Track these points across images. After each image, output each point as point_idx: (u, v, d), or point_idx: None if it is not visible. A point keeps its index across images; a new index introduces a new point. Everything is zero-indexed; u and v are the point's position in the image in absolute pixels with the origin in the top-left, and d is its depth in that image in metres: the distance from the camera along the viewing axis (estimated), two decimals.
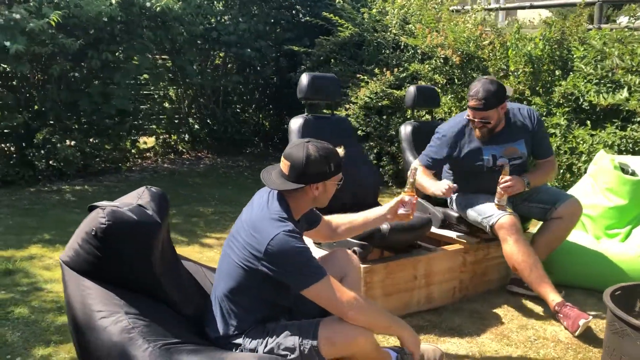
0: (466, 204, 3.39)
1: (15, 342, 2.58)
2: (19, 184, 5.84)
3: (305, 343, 2.03)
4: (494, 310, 3.13)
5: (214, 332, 2.17)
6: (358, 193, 3.47)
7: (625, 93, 4.76)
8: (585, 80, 5.07)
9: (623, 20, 7.04)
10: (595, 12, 6.82)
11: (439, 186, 3.08)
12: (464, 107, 4.51)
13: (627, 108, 4.76)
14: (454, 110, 5.78)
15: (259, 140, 8.85)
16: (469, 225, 3.41)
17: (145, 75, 7.44)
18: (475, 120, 3.17)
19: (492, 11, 7.29)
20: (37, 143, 6.04)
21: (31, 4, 5.22)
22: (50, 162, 6.17)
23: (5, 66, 5.70)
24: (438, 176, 3.54)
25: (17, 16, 4.93)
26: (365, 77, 6.44)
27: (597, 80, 5.03)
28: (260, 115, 8.92)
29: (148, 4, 5.94)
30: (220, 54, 8.10)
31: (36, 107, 6.13)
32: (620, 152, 4.68)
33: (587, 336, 2.78)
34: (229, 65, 8.32)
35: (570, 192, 3.84)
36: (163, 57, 7.62)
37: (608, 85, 4.98)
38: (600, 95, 4.89)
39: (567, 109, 5.14)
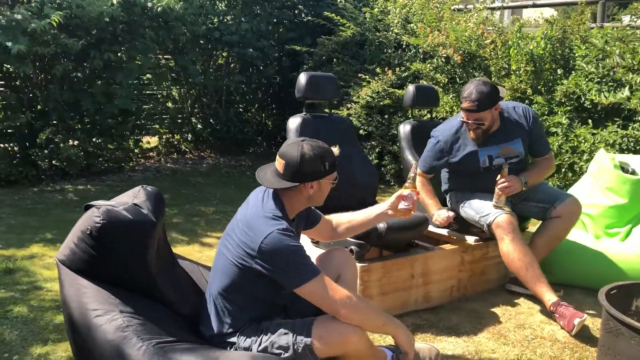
0: (463, 203, 3.40)
1: (13, 340, 2.60)
2: (22, 184, 5.87)
3: (298, 342, 2.04)
4: (492, 310, 3.13)
5: (209, 330, 2.18)
6: (357, 193, 3.47)
7: (626, 92, 4.75)
8: (586, 79, 5.06)
9: (626, 19, 7.02)
10: (598, 10, 6.80)
11: (438, 215, 3.29)
12: None
13: (628, 107, 4.74)
14: (455, 110, 5.77)
15: (262, 139, 8.86)
16: (467, 224, 3.41)
17: (148, 75, 7.48)
18: (469, 121, 3.17)
19: (494, 10, 7.27)
20: (40, 143, 6.07)
21: (33, 4, 5.25)
22: (53, 161, 6.20)
23: (8, 66, 5.73)
24: (437, 176, 3.55)
25: (19, 17, 4.96)
26: (367, 77, 6.44)
27: (598, 79, 5.01)
28: (263, 115, 8.94)
29: (149, 4, 5.96)
30: (223, 54, 8.12)
31: (39, 107, 6.16)
32: (621, 151, 4.66)
33: (584, 335, 2.78)
34: (231, 65, 8.34)
35: (570, 191, 3.84)
36: (166, 57, 7.65)
37: (610, 84, 4.96)
38: (602, 94, 4.87)
39: (568, 108, 5.13)
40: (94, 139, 6.52)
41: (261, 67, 8.20)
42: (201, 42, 7.53)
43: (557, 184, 5.03)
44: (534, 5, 7.08)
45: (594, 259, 3.46)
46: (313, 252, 2.49)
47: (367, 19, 6.89)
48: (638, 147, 4.65)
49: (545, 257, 3.31)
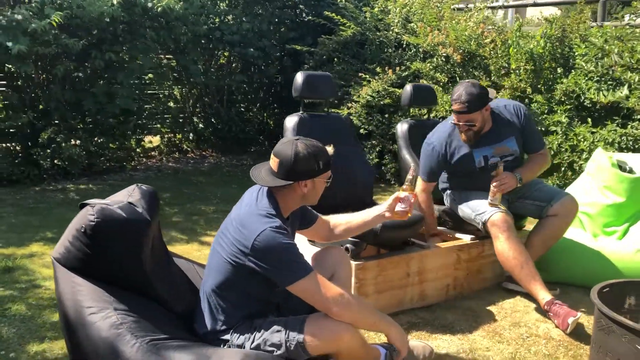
0: (459, 201, 3.41)
1: (10, 338, 2.62)
2: (24, 183, 5.91)
3: (291, 339, 2.05)
4: (488, 308, 3.14)
5: (202, 327, 2.20)
6: (354, 191, 3.49)
7: (625, 91, 4.74)
8: (586, 78, 5.06)
9: (628, 17, 7.01)
10: (598, 9, 6.80)
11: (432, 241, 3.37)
12: None
13: (627, 106, 4.74)
14: None
15: (264, 139, 8.88)
16: (461, 222, 3.42)
17: (150, 75, 7.51)
18: (461, 123, 3.18)
19: (495, 9, 7.27)
20: (42, 142, 6.10)
21: (33, 4, 5.28)
22: (55, 161, 6.23)
23: (10, 66, 5.77)
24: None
25: (19, 17, 4.99)
26: (367, 76, 6.45)
27: (597, 78, 5.01)
28: (265, 114, 8.95)
29: (149, 5, 5.98)
30: (225, 54, 8.14)
31: (41, 106, 6.19)
32: (620, 150, 4.66)
33: (579, 333, 2.78)
34: (233, 65, 8.37)
35: (568, 189, 3.84)
36: (167, 56, 7.68)
37: (609, 82, 4.96)
38: (601, 92, 4.87)
39: (568, 107, 5.12)
40: (95, 139, 6.55)
41: (262, 67, 8.21)
42: (202, 41, 7.55)
43: (557, 183, 5.04)
44: (535, 4, 7.07)
45: (591, 258, 3.46)
46: (308, 251, 2.52)
47: (368, 19, 6.90)
48: (637, 146, 4.65)
49: (541, 255, 3.32)
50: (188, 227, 4.69)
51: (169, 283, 2.35)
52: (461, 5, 7.01)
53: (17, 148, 6.24)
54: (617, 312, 2.17)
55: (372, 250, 3.16)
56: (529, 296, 3.17)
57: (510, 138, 3.26)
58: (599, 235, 3.64)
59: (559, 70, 5.33)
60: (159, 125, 8.07)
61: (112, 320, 2.01)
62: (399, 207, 2.38)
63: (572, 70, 5.21)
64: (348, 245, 2.85)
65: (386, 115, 6.38)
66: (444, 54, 5.99)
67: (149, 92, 7.91)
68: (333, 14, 6.89)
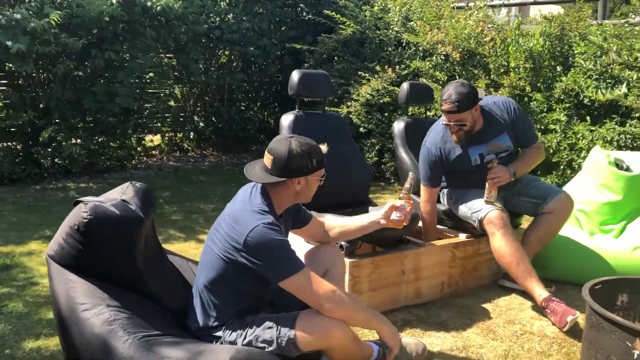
0: (456, 199, 3.41)
1: (6, 334, 2.64)
2: (25, 182, 5.94)
3: (282, 335, 2.06)
4: (483, 305, 3.14)
5: (194, 323, 2.21)
6: (350, 190, 3.51)
7: (624, 89, 4.74)
8: (585, 76, 5.05)
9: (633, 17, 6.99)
10: (599, 7, 6.79)
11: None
12: None
13: (625, 104, 4.73)
14: None
15: (264, 137, 8.89)
16: (459, 221, 3.43)
17: (151, 74, 7.53)
18: (451, 123, 3.18)
19: (495, 7, 7.27)
20: (43, 141, 6.14)
21: (33, 4, 5.30)
22: (56, 160, 6.26)
23: (11, 66, 5.80)
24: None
25: (18, 16, 5.01)
26: (367, 75, 6.46)
27: (596, 76, 5.00)
28: (265, 113, 8.97)
29: (149, 4, 5.99)
30: (226, 52, 8.16)
31: (41, 105, 6.22)
32: (619, 148, 4.66)
33: (573, 331, 2.78)
34: (233, 64, 8.38)
35: (566, 187, 3.84)
36: (168, 55, 7.70)
37: (608, 81, 4.95)
38: (599, 91, 4.86)
39: (567, 105, 5.12)
40: (96, 138, 6.58)
41: (263, 66, 8.23)
42: (203, 40, 7.57)
43: (556, 181, 5.03)
44: (534, 2, 7.06)
45: (587, 256, 3.46)
46: (303, 247, 2.53)
47: (367, 17, 6.91)
48: (635, 144, 4.64)
49: (537, 252, 3.33)
50: (187, 226, 4.71)
51: (163, 280, 2.37)
52: (461, 4, 7.00)
53: (18, 147, 6.28)
54: (609, 310, 2.18)
55: (368, 247, 3.17)
56: (525, 294, 3.18)
57: (503, 134, 3.26)
58: (596, 233, 3.63)
59: (558, 68, 5.32)
60: (159, 124, 8.09)
61: (105, 316, 2.03)
62: (395, 215, 2.40)
63: (572, 69, 5.21)
64: (343, 243, 2.86)
65: (386, 114, 6.39)
66: (444, 53, 5.98)
67: (149, 91, 7.92)
68: (333, 13, 6.90)
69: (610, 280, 2.44)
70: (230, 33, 7.33)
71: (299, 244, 2.95)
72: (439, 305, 3.14)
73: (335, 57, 7.11)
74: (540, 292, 2.94)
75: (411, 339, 2.53)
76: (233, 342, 2.12)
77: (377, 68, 6.47)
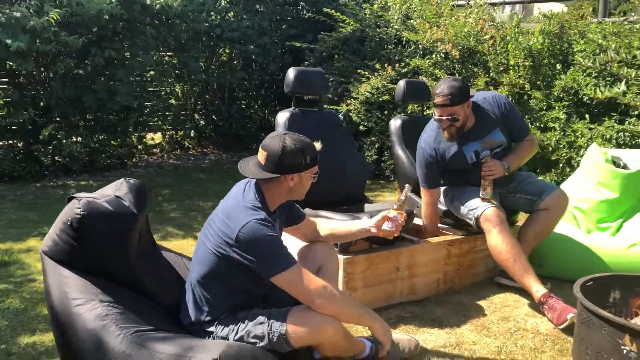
0: (453, 198, 3.42)
1: (2, 330, 2.66)
2: (25, 179, 5.97)
3: (273, 331, 2.07)
4: (478, 302, 3.14)
5: (187, 318, 2.22)
6: (346, 188, 3.51)
7: (622, 86, 4.73)
8: (584, 74, 5.05)
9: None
10: (600, 5, 6.78)
11: None
12: None
13: (624, 102, 4.73)
14: None
15: (265, 135, 8.87)
16: (456, 219, 3.43)
17: (152, 72, 7.55)
18: (443, 118, 3.17)
19: (496, 5, 7.27)
20: (43, 139, 6.18)
21: (32, 2, 5.32)
22: (56, 157, 6.30)
23: (11, 64, 5.83)
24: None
25: (18, 14, 5.04)
26: (367, 73, 6.46)
27: (595, 74, 5.00)
28: (266, 111, 8.98)
29: (148, 2, 6.01)
30: (226, 51, 8.17)
31: (42, 103, 6.26)
32: (618, 146, 4.65)
33: (567, 328, 2.78)
34: (234, 62, 8.39)
35: (563, 185, 3.84)
36: (169, 54, 7.72)
37: (607, 78, 4.95)
38: (598, 88, 4.86)
39: (566, 103, 5.11)
40: (96, 135, 6.61)
41: (264, 64, 8.24)
42: (203, 39, 7.59)
43: (555, 179, 5.03)
44: (534, 0, 7.05)
45: (584, 253, 3.46)
46: (296, 244, 2.54)
47: (367, 15, 6.91)
48: (634, 142, 4.64)
49: (533, 249, 3.33)
50: (185, 223, 4.73)
51: (157, 276, 2.38)
52: (462, 2, 7.00)
53: (19, 145, 6.32)
54: (602, 306, 2.18)
55: (364, 244, 3.18)
56: (520, 291, 3.18)
57: (495, 130, 3.26)
58: (593, 231, 3.63)
59: (558, 66, 5.32)
60: (160, 123, 8.11)
61: (98, 311, 2.04)
62: (386, 225, 2.42)
63: (571, 67, 5.20)
64: None
65: (385, 112, 6.39)
66: (443, 51, 5.98)
67: (150, 89, 7.95)
68: (333, 11, 6.91)
69: (603, 277, 2.44)
70: (231, 31, 7.35)
71: (293, 241, 2.96)
72: (434, 302, 3.15)
73: (336, 55, 7.11)
74: (538, 289, 2.93)
75: (404, 335, 2.54)
76: (225, 337, 2.14)
77: (377, 66, 6.47)
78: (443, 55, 6.05)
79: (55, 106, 6.13)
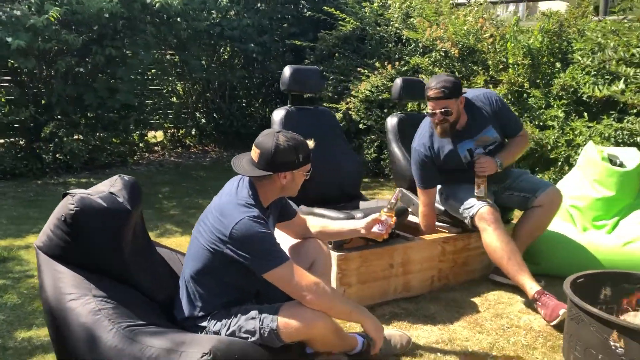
0: (448, 196, 3.43)
1: None
2: (27, 177, 6.02)
3: (265, 326, 2.09)
4: (472, 299, 3.16)
5: (180, 313, 2.25)
6: (341, 185, 3.52)
7: (621, 85, 4.73)
8: (583, 72, 5.05)
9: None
10: (600, 3, 6.77)
11: None
12: None
13: (622, 100, 4.73)
14: None
15: None
16: (452, 217, 3.44)
17: (153, 71, 7.58)
18: (436, 112, 3.18)
19: (496, 4, 7.27)
20: (45, 137, 6.20)
21: (33, 0, 5.35)
22: (57, 155, 6.33)
23: (13, 62, 5.86)
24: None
25: (18, 12, 5.07)
26: (367, 71, 6.47)
27: (594, 72, 5.00)
28: (267, 109, 8.99)
29: (148, 0, 6.04)
30: (227, 49, 8.20)
31: (43, 101, 6.29)
32: (617, 144, 4.65)
33: (559, 325, 2.78)
34: (235, 61, 8.41)
35: (560, 183, 3.85)
36: (170, 52, 7.74)
37: (605, 77, 4.95)
38: (596, 87, 4.86)
39: (565, 101, 5.12)
40: (97, 133, 6.64)
41: (265, 62, 8.26)
42: (204, 37, 7.61)
43: (553, 177, 5.03)
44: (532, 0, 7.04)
45: (580, 251, 3.47)
46: (288, 241, 2.55)
47: (367, 14, 6.92)
48: (632, 140, 4.64)
49: (528, 246, 3.34)
50: (184, 220, 4.75)
51: (151, 273, 2.40)
52: (462, 0, 7.00)
53: (20, 142, 6.36)
54: (593, 303, 2.20)
55: (359, 241, 3.19)
56: (514, 288, 3.19)
57: (488, 127, 3.26)
58: (589, 229, 3.64)
59: (557, 64, 5.32)
60: (161, 121, 8.15)
61: (91, 306, 2.07)
62: (376, 228, 2.45)
63: (570, 65, 5.20)
64: None
65: (385, 110, 6.39)
66: (443, 49, 5.99)
67: (151, 87, 7.98)
68: (333, 9, 6.92)
69: (593, 274, 2.46)
70: (231, 30, 7.37)
71: (285, 237, 2.98)
72: (428, 299, 3.16)
73: (336, 54, 7.13)
74: (532, 286, 2.94)
75: (396, 331, 2.56)
76: (217, 332, 2.16)
77: (377, 64, 6.49)
78: (443, 54, 6.06)
79: (56, 104, 6.17)
